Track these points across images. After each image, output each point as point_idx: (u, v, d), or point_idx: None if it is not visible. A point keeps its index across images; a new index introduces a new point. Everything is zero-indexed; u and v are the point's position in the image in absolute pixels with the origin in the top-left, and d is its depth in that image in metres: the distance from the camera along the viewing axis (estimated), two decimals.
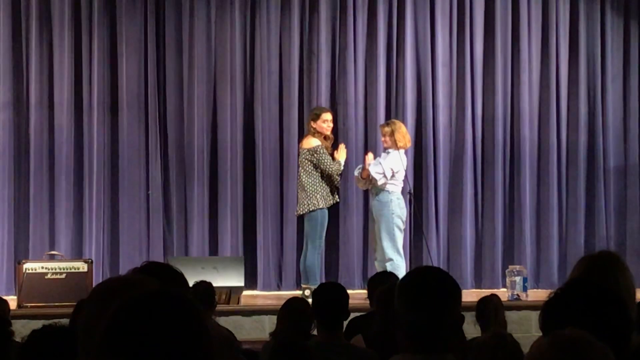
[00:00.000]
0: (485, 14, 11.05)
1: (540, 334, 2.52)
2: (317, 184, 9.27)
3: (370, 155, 9.53)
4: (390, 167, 9.27)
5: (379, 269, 9.21)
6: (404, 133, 9.49)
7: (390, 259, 9.15)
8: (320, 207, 9.25)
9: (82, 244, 10.32)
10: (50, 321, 3.42)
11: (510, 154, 11.07)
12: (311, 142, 9.35)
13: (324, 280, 9.65)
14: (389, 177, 9.27)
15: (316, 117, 9.43)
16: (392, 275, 6.92)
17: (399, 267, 9.06)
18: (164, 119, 10.62)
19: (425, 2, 10.94)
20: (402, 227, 9.36)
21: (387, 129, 9.44)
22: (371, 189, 9.47)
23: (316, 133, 9.38)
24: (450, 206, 10.93)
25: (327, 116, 9.48)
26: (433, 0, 10.95)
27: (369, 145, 10.65)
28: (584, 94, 11.15)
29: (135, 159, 10.48)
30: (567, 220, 11.09)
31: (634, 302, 3.06)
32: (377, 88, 10.81)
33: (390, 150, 9.38)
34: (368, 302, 6.42)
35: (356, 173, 9.60)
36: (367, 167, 9.35)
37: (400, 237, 9.32)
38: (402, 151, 9.43)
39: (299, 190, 9.48)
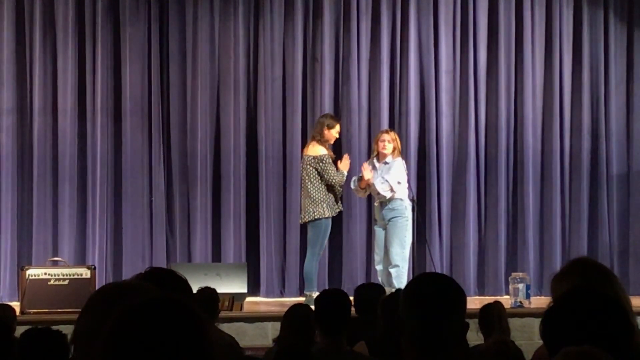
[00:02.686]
0: (489, 21, 11.04)
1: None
2: (323, 192, 9.24)
3: (366, 165, 9.47)
4: (397, 180, 9.25)
5: (381, 275, 9.21)
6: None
7: (397, 266, 9.11)
8: (326, 216, 9.23)
9: (85, 250, 10.32)
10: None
11: (514, 161, 11.06)
12: (317, 149, 9.32)
13: (324, 287, 9.64)
14: (397, 190, 9.24)
15: (330, 127, 9.38)
16: (378, 286, 6.89)
17: (404, 274, 9.04)
18: (167, 125, 10.62)
19: (429, 9, 10.94)
20: (411, 234, 9.33)
21: (392, 136, 9.41)
22: (377, 198, 9.44)
23: (322, 140, 9.35)
24: (453, 213, 10.92)
25: (339, 127, 9.51)
26: (436, 7, 10.96)
27: (372, 151, 10.63)
28: (587, 101, 11.14)
29: (138, 165, 10.49)
30: (570, 227, 11.07)
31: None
32: (381, 95, 10.80)
33: (388, 160, 9.34)
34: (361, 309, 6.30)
35: (353, 186, 9.53)
36: (365, 178, 9.30)
37: (409, 245, 9.29)
38: (400, 159, 9.41)
39: (303, 198, 9.43)
